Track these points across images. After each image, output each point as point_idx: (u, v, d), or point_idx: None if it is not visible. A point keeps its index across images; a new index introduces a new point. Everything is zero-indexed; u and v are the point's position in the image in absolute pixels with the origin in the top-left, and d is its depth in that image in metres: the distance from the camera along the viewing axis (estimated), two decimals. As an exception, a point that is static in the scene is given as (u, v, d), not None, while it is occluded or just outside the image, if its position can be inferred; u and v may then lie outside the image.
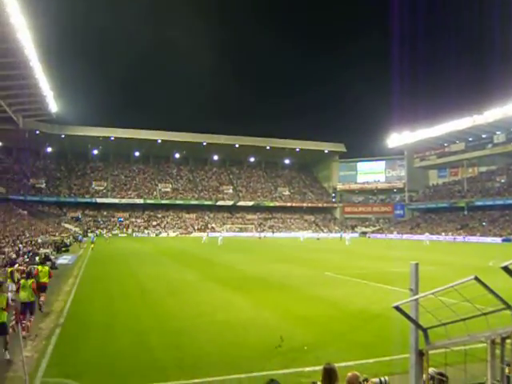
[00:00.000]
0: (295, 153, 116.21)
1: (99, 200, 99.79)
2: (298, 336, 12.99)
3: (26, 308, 13.85)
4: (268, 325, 14.54)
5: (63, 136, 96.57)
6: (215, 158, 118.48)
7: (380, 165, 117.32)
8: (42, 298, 17.57)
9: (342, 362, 9.16)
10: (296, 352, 11.48)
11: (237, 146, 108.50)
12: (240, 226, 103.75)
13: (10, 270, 20.98)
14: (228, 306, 17.79)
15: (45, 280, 18.43)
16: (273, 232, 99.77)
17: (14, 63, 56.79)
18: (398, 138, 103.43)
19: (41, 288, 17.38)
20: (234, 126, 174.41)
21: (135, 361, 10.96)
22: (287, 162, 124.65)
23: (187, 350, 11.83)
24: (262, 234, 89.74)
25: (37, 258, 33.04)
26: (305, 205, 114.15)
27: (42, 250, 39.52)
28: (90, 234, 77.94)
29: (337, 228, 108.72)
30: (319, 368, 8.84)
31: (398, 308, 4.63)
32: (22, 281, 14.99)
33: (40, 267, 18.84)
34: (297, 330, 13.77)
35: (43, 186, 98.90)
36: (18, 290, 15.00)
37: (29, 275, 15.88)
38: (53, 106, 78.40)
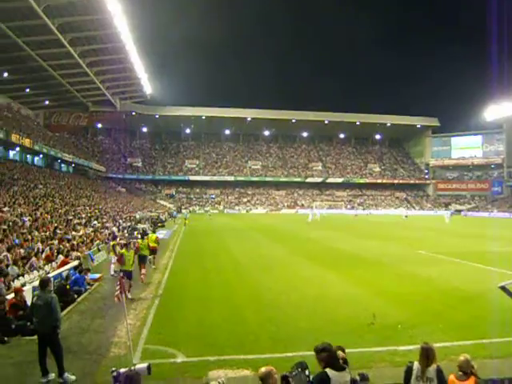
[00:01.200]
0: (386, 128, 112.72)
1: (192, 178, 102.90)
2: (391, 314, 12.79)
3: (129, 275, 15.91)
4: (360, 301, 14.44)
5: (157, 116, 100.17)
6: (304, 134, 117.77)
7: (476, 139, 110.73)
8: (143, 271, 18.64)
9: (438, 343, 8.83)
10: (389, 330, 11.32)
11: (326, 122, 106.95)
12: (329, 203, 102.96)
13: (112, 243, 22.38)
14: (320, 282, 17.84)
15: (154, 245, 22.54)
16: (363, 209, 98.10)
17: (111, 48, 59.53)
18: (496, 111, 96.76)
19: (152, 251, 22.05)
20: (322, 102, 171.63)
21: (230, 332, 11.32)
22: (378, 137, 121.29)
23: (280, 323, 12.03)
24: (357, 212, 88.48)
25: (135, 233, 34.90)
26: (396, 181, 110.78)
27: (139, 226, 41.60)
28: (183, 211, 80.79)
29: (429, 205, 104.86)
30: (414, 347, 8.73)
31: (504, 288, 4.39)
32: (124, 251, 16.15)
33: (150, 235, 24.63)
34: (390, 308, 13.55)
35: (139, 164, 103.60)
36: (119, 261, 16.22)
37: (126, 246, 17.09)
38: (147, 87, 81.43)
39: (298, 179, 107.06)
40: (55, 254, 20.12)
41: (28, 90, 68.80)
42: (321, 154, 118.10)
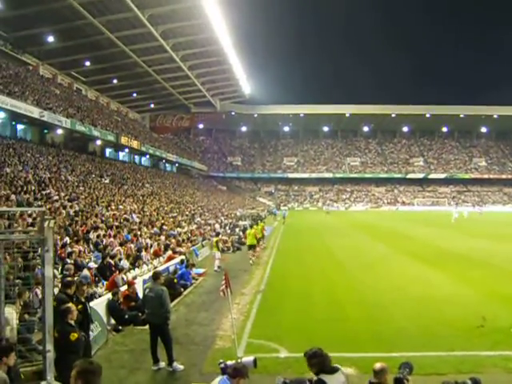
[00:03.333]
0: (493, 120, 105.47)
1: (290, 175, 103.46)
2: (503, 317, 11.92)
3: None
4: (468, 303, 13.68)
5: (256, 115, 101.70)
6: (405, 129, 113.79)
7: None
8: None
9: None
10: (501, 334, 10.57)
11: (428, 115, 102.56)
12: (432, 199, 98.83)
13: (215, 240, 23.05)
14: (424, 281, 17.13)
15: (260, 236, 26.48)
16: (474, 206, 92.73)
17: (210, 51, 61.24)
18: None
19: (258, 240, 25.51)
20: (423, 95, 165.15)
21: (332, 329, 11.21)
22: (483, 130, 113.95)
23: (383, 323, 11.73)
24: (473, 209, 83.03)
25: (237, 230, 35.69)
26: (504, 176, 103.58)
27: (240, 222, 42.48)
28: (282, 208, 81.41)
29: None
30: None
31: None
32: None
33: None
34: (502, 311, 12.65)
35: (239, 163, 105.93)
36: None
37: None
38: (246, 87, 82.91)
39: (399, 175, 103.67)
40: (162, 249, 21.11)
41: (135, 95, 72.78)
42: (422, 148, 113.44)
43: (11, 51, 46.20)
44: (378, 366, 5.06)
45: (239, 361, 5.73)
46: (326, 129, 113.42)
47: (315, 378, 5.04)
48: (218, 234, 26.67)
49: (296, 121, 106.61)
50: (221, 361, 5.47)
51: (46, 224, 5.76)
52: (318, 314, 12.70)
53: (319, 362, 5.12)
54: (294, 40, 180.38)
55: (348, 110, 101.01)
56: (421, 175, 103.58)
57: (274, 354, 9.64)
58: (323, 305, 13.74)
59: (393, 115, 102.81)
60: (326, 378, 4.98)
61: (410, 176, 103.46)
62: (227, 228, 37.12)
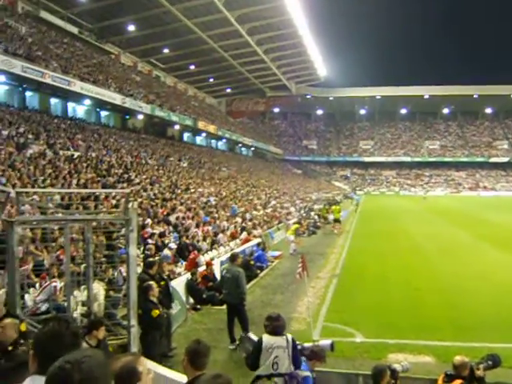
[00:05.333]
0: None
1: (366, 159, 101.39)
2: None
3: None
4: (558, 292, 12.89)
5: (331, 98, 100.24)
6: (487, 110, 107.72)
7: None
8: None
9: None
10: None
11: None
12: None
13: (295, 227, 23.14)
14: (506, 268, 16.28)
15: (337, 216, 28.75)
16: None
17: (285, 34, 60.82)
18: None
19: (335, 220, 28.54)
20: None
21: (409, 316, 10.97)
22: None
23: (462, 310, 11.33)
24: None
25: (312, 213, 35.57)
26: None
27: (316, 206, 42.28)
28: (355, 195, 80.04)
29: None
30: None
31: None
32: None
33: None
34: None
35: (314, 146, 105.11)
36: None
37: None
38: (321, 70, 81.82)
39: (481, 159, 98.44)
40: (239, 231, 21.45)
41: (211, 80, 73.90)
42: (507, 131, 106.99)
43: (95, 41, 48.33)
44: (458, 359, 4.88)
45: (316, 344, 5.75)
46: (403, 111, 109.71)
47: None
48: (299, 222, 26.53)
49: (372, 103, 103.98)
50: (298, 343, 5.51)
51: (130, 205, 6.01)
52: (395, 299, 12.46)
53: (269, 326, 5.55)
54: (370, 20, 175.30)
55: (427, 91, 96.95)
56: (505, 159, 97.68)
57: (350, 339, 9.58)
58: (400, 290, 13.45)
59: (475, 96, 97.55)
60: (264, 338, 5.49)
61: (492, 160, 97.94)
62: (302, 212, 37.08)
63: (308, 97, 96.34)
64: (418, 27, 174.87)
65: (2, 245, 9.48)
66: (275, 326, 5.59)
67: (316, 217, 33.62)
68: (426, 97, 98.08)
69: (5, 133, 22.81)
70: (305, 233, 27.54)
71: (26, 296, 8.44)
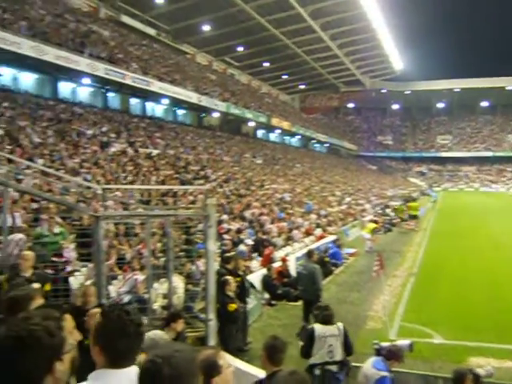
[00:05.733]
0: None
1: (444, 154, 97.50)
2: None
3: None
4: None
5: (408, 92, 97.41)
6: None
7: None
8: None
9: None
10: None
11: None
12: None
13: (373, 227, 22.70)
14: None
15: (415, 213, 28.99)
16: None
17: (359, 28, 59.62)
18: None
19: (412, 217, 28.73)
20: None
21: (491, 319, 10.43)
22: None
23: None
24: None
25: (387, 210, 34.75)
26: None
27: (391, 203, 41.23)
28: (432, 191, 77.18)
29: None
30: None
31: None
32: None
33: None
34: None
35: (390, 142, 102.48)
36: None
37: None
38: (397, 63, 79.67)
39: None
40: (314, 228, 21.34)
41: (285, 77, 73.93)
42: None
43: (172, 42, 49.77)
44: None
45: (394, 343, 5.61)
46: (483, 104, 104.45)
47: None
48: (375, 221, 25.97)
49: (450, 96, 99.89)
50: (375, 342, 5.41)
51: (208, 202, 6.13)
52: (476, 301, 11.91)
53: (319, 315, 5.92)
54: (447, 11, 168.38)
55: (509, 82, 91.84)
56: None
57: (428, 340, 9.29)
58: (481, 292, 12.83)
59: None
60: (317, 326, 5.90)
61: None
62: (378, 208, 36.30)
63: (383, 91, 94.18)
64: (497, 14, 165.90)
65: (88, 239, 10.05)
66: (325, 315, 5.83)
67: (392, 214, 32.81)
68: (509, 88, 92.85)
69: (89, 132, 23.97)
70: (380, 230, 26.91)
71: (110, 287, 8.80)
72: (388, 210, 34.79)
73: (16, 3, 26.22)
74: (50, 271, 8.05)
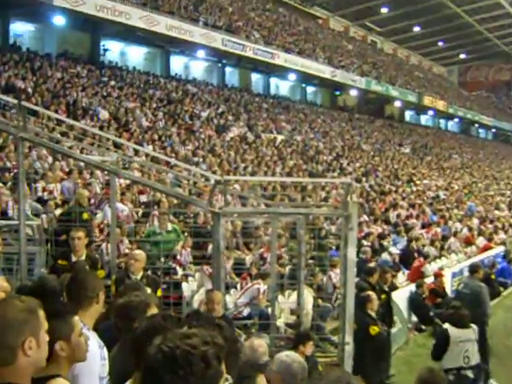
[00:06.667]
0: None
1: None
2: None
3: None
4: None
5: None
6: None
7: None
8: None
9: None
10: None
11: None
12: None
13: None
14: None
15: None
16: None
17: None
18: None
19: None
20: None
21: None
22: None
23: None
24: None
25: None
26: None
27: None
28: None
29: None
30: None
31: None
32: None
33: None
34: None
35: None
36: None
37: None
38: None
39: None
40: (476, 236, 20.39)
41: (440, 44, 71.13)
42: None
43: (300, 5, 50.03)
44: None
45: None
46: None
47: None
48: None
49: None
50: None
51: (350, 199, 6.04)
52: None
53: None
54: None
55: None
56: None
57: None
58: None
59: None
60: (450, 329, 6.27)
61: None
62: None
63: None
64: None
65: (204, 238, 10.41)
66: (460, 315, 6.19)
67: None
68: None
69: (204, 114, 24.93)
70: None
71: (227, 297, 9.02)
72: None
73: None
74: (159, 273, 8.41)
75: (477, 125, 69.84)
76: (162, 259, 9.20)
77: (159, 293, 6.57)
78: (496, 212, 26.79)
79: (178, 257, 10.44)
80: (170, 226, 10.08)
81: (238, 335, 7.12)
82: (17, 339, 2.03)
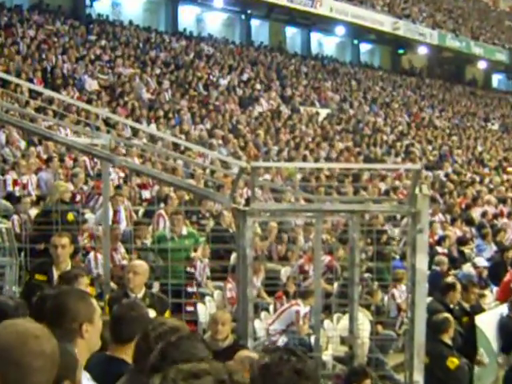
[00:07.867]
0: None
1: None
2: None
3: None
4: None
5: None
6: None
7: None
8: None
9: None
10: None
11: None
12: None
13: None
14: None
15: None
16: None
17: None
18: None
19: None
20: None
21: None
22: None
23: None
24: None
25: None
26: None
27: None
28: None
29: None
30: None
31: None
32: None
33: None
34: None
35: None
36: None
37: None
38: None
39: None
40: None
41: None
42: None
43: None
44: None
45: None
46: None
47: None
48: None
49: None
50: None
51: (419, 191, 5.96)
52: None
53: None
54: None
55: None
56: None
57: None
58: None
59: None
60: None
61: None
62: None
63: None
64: None
65: (223, 245, 10.40)
66: None
67: None
68: None
69: (223, 82, 24.87)
70: None
71: (257, 322, 8.91)
72: None
73: None
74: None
75: None
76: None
77: (167, 315, 6.47)
78: None
79: (191, 269, 10.33)
80: (185, 230, 10.07)
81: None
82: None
